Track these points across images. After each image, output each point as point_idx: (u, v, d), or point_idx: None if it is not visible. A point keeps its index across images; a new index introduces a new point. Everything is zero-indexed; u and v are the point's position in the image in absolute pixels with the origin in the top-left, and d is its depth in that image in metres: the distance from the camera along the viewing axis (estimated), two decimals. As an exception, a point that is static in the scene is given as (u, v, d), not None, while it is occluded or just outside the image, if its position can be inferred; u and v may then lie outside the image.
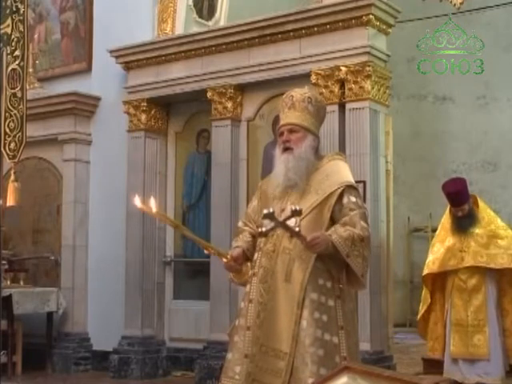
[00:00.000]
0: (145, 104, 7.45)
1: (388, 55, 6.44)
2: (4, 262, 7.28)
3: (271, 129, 6.84)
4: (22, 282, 7.79)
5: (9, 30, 4.48)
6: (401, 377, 2.56)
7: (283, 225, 3.43)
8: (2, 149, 4.41)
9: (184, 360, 7.26)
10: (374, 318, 6.06)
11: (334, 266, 3.65)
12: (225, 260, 3.78)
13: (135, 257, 7.42)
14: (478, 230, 5.96)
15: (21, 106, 4.47)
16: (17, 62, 4.47)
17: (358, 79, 6.19)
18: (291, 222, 3.43)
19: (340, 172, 3.78)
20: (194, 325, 7.27)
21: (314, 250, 3.54)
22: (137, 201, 3.52)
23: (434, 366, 6.28)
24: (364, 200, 5.51)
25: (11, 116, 4.45)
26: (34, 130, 7.03)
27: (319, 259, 3.59)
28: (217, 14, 8.01)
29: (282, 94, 3.95)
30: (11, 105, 4.46)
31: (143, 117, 7.48)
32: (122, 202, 7.43)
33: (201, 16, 7.86)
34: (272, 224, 3.39)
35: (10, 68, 4.47)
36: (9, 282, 7.66)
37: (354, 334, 3.73)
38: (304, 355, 3.49)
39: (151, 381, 7.16)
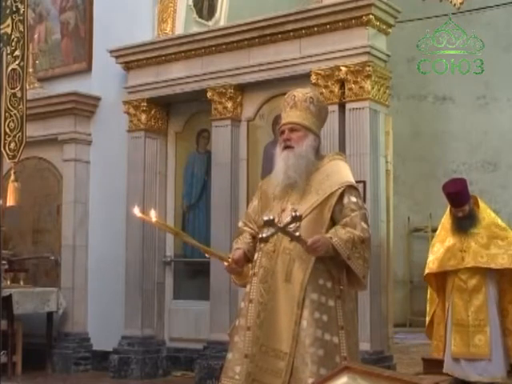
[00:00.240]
0: (145, 104, 7.45)
1: (388, 55, 6.44)
2: (4, 262, 7.28)
3: (271, 129, 6.84)
4: (22, 282, 7.79)
5: (9, 30, 4.48)
6: (401, 377, 2.57)
7: (283, 230, 3.45)
8: (2, 149, 4.41)
9: (184, 360, 7.26)
10: (374, 317, 6.05)
11: (335, 267, 3.66)
12: (226, 263, 3.79)
13: (135, 257, 7.41)
14: (478, 231, 5.95)
15: (21, 106, 4.46)
16: (17, 62, 4.47)
17: (358, 79, 6.19)
18: (291, 226, 3.45)
19: (340, 172, 3.78)
20: (194, 325, 7.26)
21: (314, 254, 3.55)
22: (136, 211, 3.56)
23: (434, 365, 6.28)
24: (364, 200, 5.51)
25: (11, 116, 4.44)
26: (34, 130, 7.04)
27: (319, 260, 3.59)
28: (217, 14, 8.00)
29: (282, 94, 3.96)
30: (11, 105, 4.45)
31: (143, 117, 7.48)
32: (122, 202, 7.43)
33: (201, 16, 7.86)
34: (272, 230, 3.42)
35: (9, 68, 4.46)
36: (9, 282, 7.66)
37: (354, 334, 3.74)
38: (304, 355, 3.49)
39: (151, 381, 7.16)
